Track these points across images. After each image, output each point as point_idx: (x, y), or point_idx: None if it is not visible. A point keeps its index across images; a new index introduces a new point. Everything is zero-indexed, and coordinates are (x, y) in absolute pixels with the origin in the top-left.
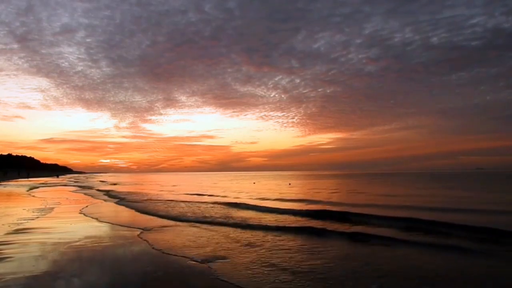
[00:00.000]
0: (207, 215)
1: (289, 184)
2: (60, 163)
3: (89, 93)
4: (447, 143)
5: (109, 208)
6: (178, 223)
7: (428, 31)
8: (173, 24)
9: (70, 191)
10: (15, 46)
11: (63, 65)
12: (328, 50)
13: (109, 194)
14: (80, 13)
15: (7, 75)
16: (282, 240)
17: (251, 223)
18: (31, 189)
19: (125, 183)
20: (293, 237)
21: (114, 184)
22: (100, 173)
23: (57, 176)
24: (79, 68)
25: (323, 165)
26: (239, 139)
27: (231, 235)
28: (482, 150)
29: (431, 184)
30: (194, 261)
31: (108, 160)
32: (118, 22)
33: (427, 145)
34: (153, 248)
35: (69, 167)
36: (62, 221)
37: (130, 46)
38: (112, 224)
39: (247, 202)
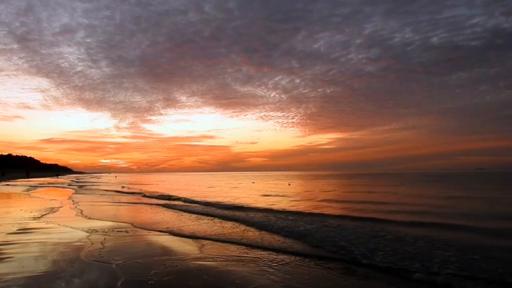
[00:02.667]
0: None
1: (289, 184)
2: (60, 163)
3: (89, 93)
4: (447, 143)
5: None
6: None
7: (428, 31)
8: (173, 24)
9: (65, 191)
10: (15, 46)
11: (63, 65)
12: (328, 50)
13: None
14: (80, 13)
15: (7, 75)
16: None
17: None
18: (29, 189)
19: (112, 183)
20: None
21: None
22: (100, 173)
23: (57, 176)
24: (79, 68)
25: (323, 165)
26: (239, 139)
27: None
28: (482, 150)
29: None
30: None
31: (108, 160)
32: (118, 22)
33: (427, 145)
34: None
35: (69, 167)
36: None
37: (130, 46)
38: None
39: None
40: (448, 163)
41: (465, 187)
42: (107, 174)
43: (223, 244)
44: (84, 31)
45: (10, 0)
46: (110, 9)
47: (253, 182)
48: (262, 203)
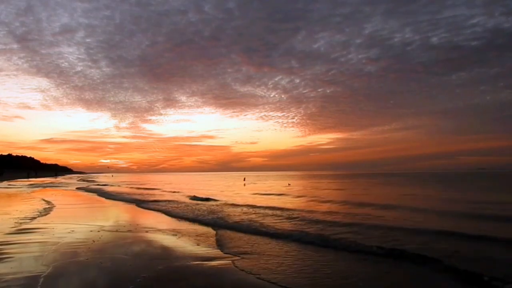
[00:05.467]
0: None
1: (288, 184)
2: (60, 163)
3: (89, 93)
4: (446, 143)
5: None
6: None
7: (428, 31)
8: (173, 24)
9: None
10: (15, 46)
11: (63, 65)
12: (328, 50)
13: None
14: (80, 13)
15: (7, 75)
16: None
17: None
18: (27, 190)
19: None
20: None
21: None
22: (100, 173)
23: (56, 176)
24: (79, 68)
25: (323, 165)
26: (239, 139)
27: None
28: (482, 150)
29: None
30: None
31: (108, 160)
32: (118, 22)
33: (427, 145)
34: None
35: (69, 167)
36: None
37: (130, 46)
38: None
39: None
40: (448, 163)
41: (438, 189)
42: (105, 174)
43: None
44: (84, 31)
45: (10, 0)
46: (110, 9)
47: (255, 183)
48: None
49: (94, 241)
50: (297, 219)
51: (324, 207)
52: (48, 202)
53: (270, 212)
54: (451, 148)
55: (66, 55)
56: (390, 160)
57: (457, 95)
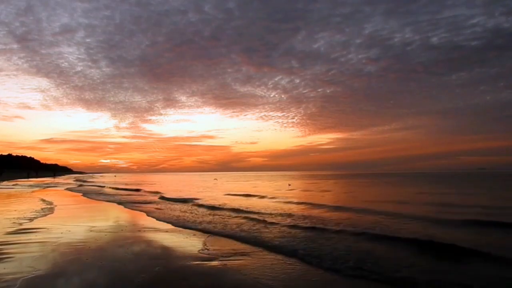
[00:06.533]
0: None
1: (289, 185)
2: (60, 163)
3: (89, 93)
4: (446, 143)
5: None
6: None
7: (428, 31)
8: (173, 24)
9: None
10: (15, 46)
11: (63, 65)
12: (328, 50)
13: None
14: (80, 13)
15: (7, 75)
16: None
17: None
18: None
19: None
20: None
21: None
22: (100, 173)
23: (54, 176)
24: (79, 68)
25: (323, 165)
26: (239, 139)
27: None
28: (482, 150)
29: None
30: None
31: (108, 160)
32: (118, 22)
33: (427, 145)
34: None
35: (69, 167)
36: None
37: (130, 46)
38: None
39: None
40: (448, 163)
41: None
42: (106, 174)
43: None
44: (84, 31)
45: (10, 0)
46: (110, 9)
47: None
48: None
49: (96, 240)
50: (244, 218)
51: (285, 208)
52: (47, 203)
53: (233, 214)
54: (451, 148)
55: (66, 55)
56: (390, 160)
57: (457, 95)
